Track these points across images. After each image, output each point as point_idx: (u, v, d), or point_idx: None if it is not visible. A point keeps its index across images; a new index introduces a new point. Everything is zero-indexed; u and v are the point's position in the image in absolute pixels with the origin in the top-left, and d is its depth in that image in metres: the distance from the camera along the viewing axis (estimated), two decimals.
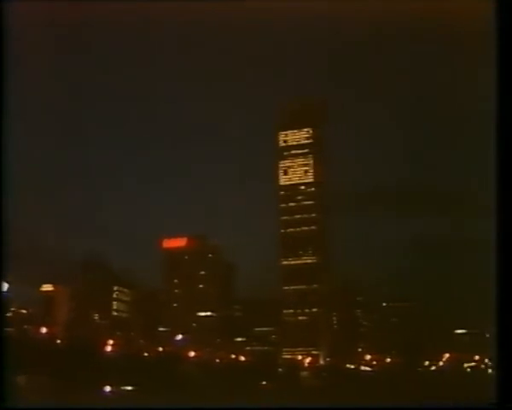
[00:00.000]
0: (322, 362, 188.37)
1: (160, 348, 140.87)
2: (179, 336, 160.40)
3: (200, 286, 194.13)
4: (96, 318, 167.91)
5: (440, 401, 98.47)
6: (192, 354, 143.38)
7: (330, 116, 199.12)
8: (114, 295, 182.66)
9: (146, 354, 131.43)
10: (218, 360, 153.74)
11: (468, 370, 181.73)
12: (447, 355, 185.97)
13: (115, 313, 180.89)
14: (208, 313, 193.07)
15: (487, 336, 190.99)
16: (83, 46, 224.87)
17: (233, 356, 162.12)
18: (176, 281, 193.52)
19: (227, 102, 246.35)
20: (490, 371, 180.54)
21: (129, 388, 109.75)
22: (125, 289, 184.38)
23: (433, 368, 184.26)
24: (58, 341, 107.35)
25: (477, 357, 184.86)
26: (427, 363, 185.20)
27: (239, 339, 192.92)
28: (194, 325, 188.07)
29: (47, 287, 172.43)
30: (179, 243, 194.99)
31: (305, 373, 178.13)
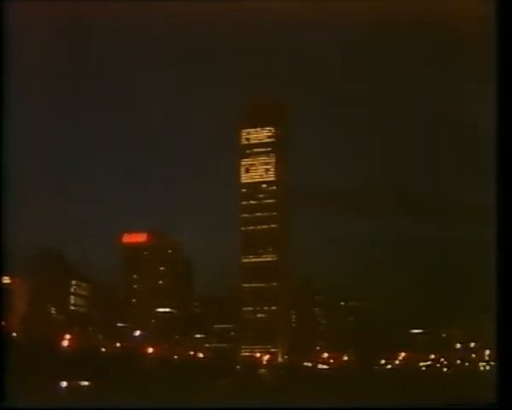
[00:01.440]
0: (280, 360, 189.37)
1: (118, 344, 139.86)
2: (137, 332, 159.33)
3: (160, 282, 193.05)
4: (54, 312, 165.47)
5: (440, 401, 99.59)
6: (150, 350, 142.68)
7: (293, 116, 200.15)
8: (72, 290, 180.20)
9: (103, 350, 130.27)
10: (176, 357, 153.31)
11: (424, 369, 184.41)
12: (403, 354, 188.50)
13: (73, 308, 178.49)
14: (167, 310, 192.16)
15: (443, 336, 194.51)
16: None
17: (191, 353, 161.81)
18: (135, 276, 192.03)
19: (191, 98, 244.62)
20: (445, 369, 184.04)
21: (85, 383, 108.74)
22: (84, 284, 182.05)
23: (389, 367, 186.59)
24: (14, 334, 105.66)
25: (432, 356, 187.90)
26: (383, 362, 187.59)
27: (198, 336, 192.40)
28: (152, 321, 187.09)
29: (4, 279, 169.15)
30: (139, 238, 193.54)
31: (263, 371, 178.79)
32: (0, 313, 66.21)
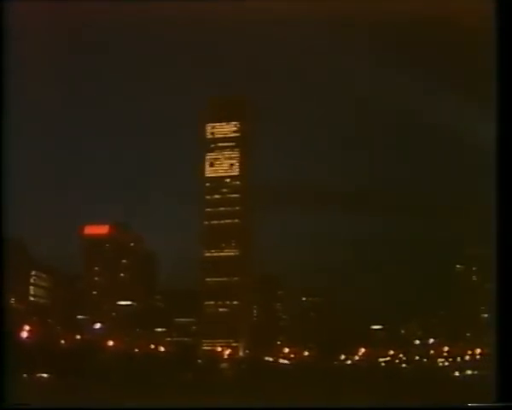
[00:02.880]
0: (241, 354, 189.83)
1: (78, 336, 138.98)
2: (98, 325, 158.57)
3: (121, 275, 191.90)
4: (13, 303, 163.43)
5: (438, 401, 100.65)
6: (110, 343, 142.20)
7: (260, 112, 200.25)
8: (32, 280, 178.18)
9: (63, 342, 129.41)
10: (136, 350, 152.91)
11: (383, 364, 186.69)
12: (363, 350, 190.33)
13: (32, 299, 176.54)
14: (128, 303, 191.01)
15: (402, 332, 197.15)
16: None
17: (152, 346, 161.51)
18: (96, 269, 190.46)
19: (159, 92, 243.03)
20: (403, 365, 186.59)
21: (44, 375, 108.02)
22: (44, 275, 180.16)
23: (349, 362, 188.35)
24: None
25: (391, 352, 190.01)
26: (343, 357, 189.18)
27: (159, 329, 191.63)
28: (113, 313, 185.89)
29: None
30: (101, 230, 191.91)
31: (224, 365, 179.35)
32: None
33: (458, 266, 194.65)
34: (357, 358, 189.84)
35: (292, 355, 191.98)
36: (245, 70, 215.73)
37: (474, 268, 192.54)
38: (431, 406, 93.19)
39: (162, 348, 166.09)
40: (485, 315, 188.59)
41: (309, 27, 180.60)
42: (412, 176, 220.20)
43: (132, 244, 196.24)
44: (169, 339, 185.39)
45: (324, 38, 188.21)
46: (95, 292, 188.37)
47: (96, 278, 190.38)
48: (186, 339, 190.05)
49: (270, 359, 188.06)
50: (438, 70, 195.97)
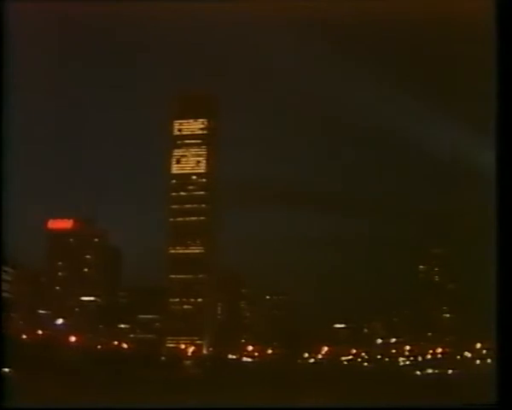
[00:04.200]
0: (205, 352, 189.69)
1: (40, 332, 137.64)
2: (60, 320, 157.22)
3: (85, 270, 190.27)
4: None
5: (438, 401, 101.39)
6: (73, 338, 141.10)
7: (228, 109, 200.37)
8: None
9: (24, 337, 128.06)
10: (99, 347, 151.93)
11: (345, 363, 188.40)
12: (326, 348, 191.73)
13: None
14: (92, 298, 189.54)
15: (365, 331, 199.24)
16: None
17: (115, 343, 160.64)
18: (60, 263, 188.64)
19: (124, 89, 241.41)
20: (365, 364, 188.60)
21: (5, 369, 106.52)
22: (7, 269, 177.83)
23: (312, 360, 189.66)
24: None
25: (354, 351, 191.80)
26: (306, 355, 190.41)
27: (122, 326, 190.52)
28: (76, 309, 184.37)
29: None
30: (65, 224, 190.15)
31: (187, 362, 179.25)
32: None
33: (421, 266, 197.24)
34: (320, 356, 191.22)
35: (256, 353, 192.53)
36: (214, 68, 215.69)
37: (436, 268, 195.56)
38: (430, 406, 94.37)
39: (125, 345, 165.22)
40: (448, 315, 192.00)
41: (281, 28, 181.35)
42: (381, 177, 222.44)
43: (97, 240, 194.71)
44: (132, 336, 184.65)
45: (297, 39, 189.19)
46: (58, 287, 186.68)
47: (60, 273, 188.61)
48: (150, 336, 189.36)
49: (234, 357, 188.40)
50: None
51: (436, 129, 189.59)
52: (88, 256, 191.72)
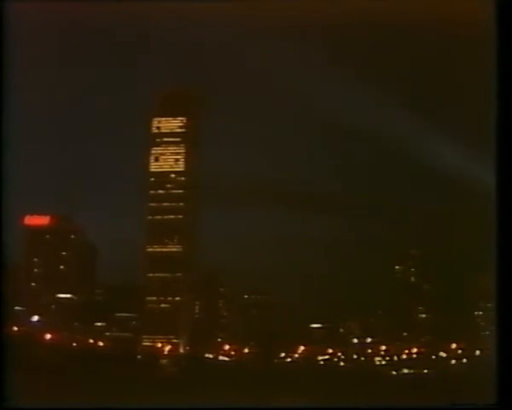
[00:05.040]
0: (181, 351, 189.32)
1: (15, 328, 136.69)
2: (36, 317, 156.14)
3: (61, 267, 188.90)
4: None
5: (438, 401, 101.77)
6: (48, 336, 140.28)
7: (207, 107, 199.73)
8: None
9: None
10: (75, 344, 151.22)
11: (322, 362, 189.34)
12: (302, 348, 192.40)
13: None
14: (68, 296, 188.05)
15: (341, 330, 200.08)
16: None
17: (91, 341, 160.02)
18: (36, 260, 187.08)
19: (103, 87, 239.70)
20: (341, 363, 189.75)
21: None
22: None
23: (289, 360, 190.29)
24: None
25: (330, 351, 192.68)
26: (283, 354, 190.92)
27: (99, 324, 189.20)
28: (52, 306, 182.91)
29: None
30: (42, 221, 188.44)
31: (164, 361, 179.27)
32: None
33: (397, 266, 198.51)
34: (296, 356, 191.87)
35: (232, 352, 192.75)
36: (193, 66, 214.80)
37: (412, 269, 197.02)
38: (431, 406, 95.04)
39: (101, 343, 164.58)
40: (423, 315, 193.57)
41: (260, 26, 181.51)
42: (358, 177, 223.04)
43: (73, 236, 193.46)
44: (108, 334, 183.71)
45: (275, 37, 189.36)
46: (33, 284, 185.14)
47: (36, 270, 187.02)
48: (126, 334, 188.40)
49: (211, 356, 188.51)
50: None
51: (423, 130, 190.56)
52: (64, 253, 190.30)
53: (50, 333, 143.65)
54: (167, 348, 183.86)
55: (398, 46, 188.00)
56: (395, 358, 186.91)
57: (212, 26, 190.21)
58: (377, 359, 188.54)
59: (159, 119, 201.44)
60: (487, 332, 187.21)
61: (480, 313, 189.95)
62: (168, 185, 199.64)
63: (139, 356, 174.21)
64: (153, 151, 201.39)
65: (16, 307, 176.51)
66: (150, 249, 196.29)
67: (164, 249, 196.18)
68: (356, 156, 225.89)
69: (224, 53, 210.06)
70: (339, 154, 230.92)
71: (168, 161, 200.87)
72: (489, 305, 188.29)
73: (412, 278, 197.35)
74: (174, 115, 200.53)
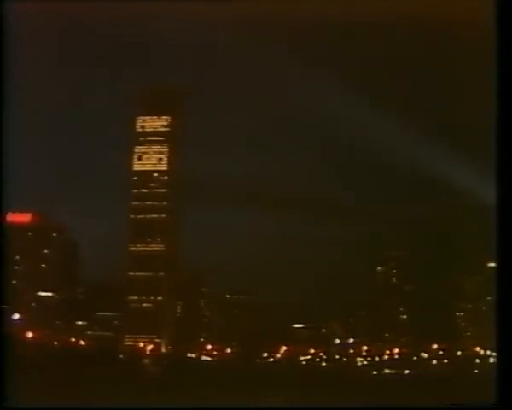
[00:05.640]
0: (164, 350, 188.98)
1: None
2: (16, 316, 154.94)
3: (43, 265, 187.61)
4: None
5: (438, 401, 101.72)
6: (29, 334, 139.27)
7: (192, 106, 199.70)
8: None
9: None
10: (56, 343, 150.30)
11: (304, 362, 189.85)
12: (285, 348, 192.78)
13: None
14: (49, 294, 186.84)
15: (323, 331, 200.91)
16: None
17: (73, 340, 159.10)
18: (17, 257, 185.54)
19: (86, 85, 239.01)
20: (324, 364, 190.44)
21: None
22: None
23: (271, 360, 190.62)
24: None
25: (312, 351, 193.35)
26: (265, 354, 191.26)
27: (80, 323, 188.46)
28: (33, 304, 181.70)
29: None
30: (23, 218, 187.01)
31: (146, 361, 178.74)
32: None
33: (379, 268, 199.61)
34: (278, 356, 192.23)
35: (215, 352, 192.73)
36: (178, 65, 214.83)
37: (394, 270, 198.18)
38: (431, 406, 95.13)
39: (83, 342, 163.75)
40: (404, 316, 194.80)
41: (243, 26, 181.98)
42: (341, 179, 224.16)
43: (55, 234, 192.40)
44: (90, 333, 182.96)
45: (259, 38, 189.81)
46: (14, 281, 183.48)
47: (17, 267, 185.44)
48: (108, 334, 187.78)
49: (193, 355, 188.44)
50: None
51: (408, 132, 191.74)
52: (46, 251, 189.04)
53: (31, 331, 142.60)
54: (149, 347, 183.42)
55: (397, 46, 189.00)
56: (376, 358, 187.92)
57: (198, 27, 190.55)
58: (359, 359, 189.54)
59: (143, 118, 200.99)
60: (468, 333, 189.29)
61: (461, 314, 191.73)
62: (151, 184, 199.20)
63: (121, 355, 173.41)
64: (136, 150, 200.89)
65: None
66: (133, 248, 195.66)
67: (147, 248, 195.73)
68: (339, 158, 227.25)
69: (210, 53, 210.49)
70: (322, 155, 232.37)
71: (151, 159, 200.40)
72: (469, 306, 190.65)
73: (394, 280, 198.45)
74: (158, 114, 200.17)
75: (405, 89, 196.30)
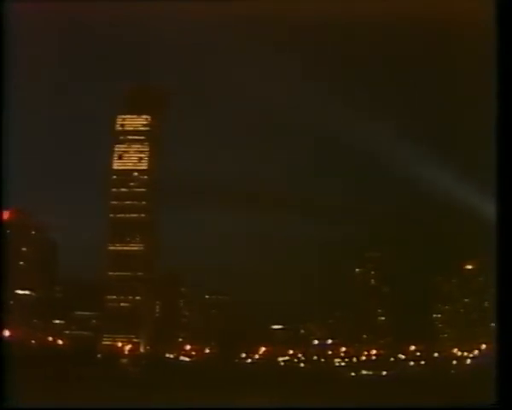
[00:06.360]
0: (142, 350, 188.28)
1: None
2: None
3: (21, 263, 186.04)
4: None
5: (439, 402, 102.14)
6: (6, 333, 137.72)
7: (173, 105, 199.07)
8: None
9: None
10: (33, 342, 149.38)
11: (282, 363, 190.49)
12: (263, 349, 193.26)
13: None
14: (27, 292, 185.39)
15: (302, 332, 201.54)
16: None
17: (50, 339, 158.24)
18: None
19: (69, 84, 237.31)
20: (302, 365, 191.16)
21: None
22: None
23: (249, 360, 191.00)
24: None
25: (291, 352, 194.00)
26: (243, 355, 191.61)
27: (58, 322, 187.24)
28: (10, 302, 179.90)
29: None
30: (1, 215, 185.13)
31: (124, 361, 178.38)
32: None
33: (358, 269, 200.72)
34: (257, 356, 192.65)
35: (193, 352, 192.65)
36: (161, 64, 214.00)
37: (372, 272, 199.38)
38: (431, 406, 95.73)
39: (60, 342, 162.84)
40: (382, 318, 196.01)
41: (228, 27, 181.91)
42: (321, 179, 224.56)
43: (34, 232, 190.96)
44: (68, 332, 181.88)
45: (241, 37, 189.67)
46: None
47: None
48: (86, 333, 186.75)
49: (171, 355, 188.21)
50: None
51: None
52: (24, 249, 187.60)
53: (8, 330, 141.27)
54: (128, 347, 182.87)
55: (397, 46, 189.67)
56: (354, 359, 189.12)
57: (178, 26, 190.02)
58: (337, 360, 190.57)
59: (123, 116, 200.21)
60: (445, 335, 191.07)
61: (438, 315, 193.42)
62: (131, 184, 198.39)
63: (99, 355, 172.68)
64: (116, 149, 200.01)
65: None
66: (112, 248, 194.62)
67: (125, 248, 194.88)
68: (319, 158, 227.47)
69: (190, 52, 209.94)
70: (302, 154, 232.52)
71: (131, 159, 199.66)
72: (447, 307, 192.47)
73: (372, 281, 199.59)
74: (138, 113, 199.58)
75: (405, 89, 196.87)
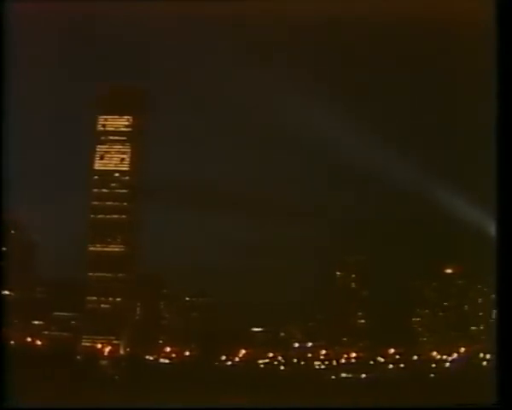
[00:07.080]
0: (122, 352, 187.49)
1: None
2: None
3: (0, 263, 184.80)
4: None
5: (439, 402, 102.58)
6: None
7: (155, 106, 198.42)
8: None
9: None
10: (12, 342, 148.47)
11: (262, 366, 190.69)
12: (243, 351, 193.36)
13: None
14: (5, 292, 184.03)
15: (282, 335, 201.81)
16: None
17: (29, 339, 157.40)
18: None
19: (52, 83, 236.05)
20: (282, 367, 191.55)
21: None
22: None
23: (229, 363, 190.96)
24: None
25: (271, 354, 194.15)
26: (224, 358, 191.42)
27: (37, 322, 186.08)
28: None
29: None
30: None
31: (103, 362, 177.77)
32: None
33: (338, 272, 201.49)
34: (237, 359, 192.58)
35: (173, 355, 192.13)
36: (142, 63, 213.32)
37: (353, 275, 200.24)
38: (431, 406, 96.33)
39: (39, 342, 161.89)
40: (362, 321, 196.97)
41: (213, 26, 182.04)
42: (301, 182, 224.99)
43: (13, 232, 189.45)
44: (47, 333, 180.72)
45: (229, 38, 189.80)
46: None
47: None
48: (65, 334, 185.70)
49: (151, 357, 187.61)
50: None
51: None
52: (3, 248, 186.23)
53: None
54: (107, 348, 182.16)
55: (396, 46, 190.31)
56: (334, 362, 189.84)
57: (159, 25, 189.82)
58: (317, 363, 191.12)
59: (104, 117, 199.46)
60: (424, 338, 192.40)
61: (418, 319, 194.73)
62: (112, 184, 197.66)
63: (78, 356, 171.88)
64: (97, 149, 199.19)
65: None
66: (92, 248, 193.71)
67: (106, 249, 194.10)
68: (300, 162, 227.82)
69: (173, 52, 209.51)
70: (283, 158, 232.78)
71: (113, 159, 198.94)
72: (426, 311, 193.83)
73: (352, 284, 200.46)
74: (120, 114, 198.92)
75: (405, 89, 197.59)
